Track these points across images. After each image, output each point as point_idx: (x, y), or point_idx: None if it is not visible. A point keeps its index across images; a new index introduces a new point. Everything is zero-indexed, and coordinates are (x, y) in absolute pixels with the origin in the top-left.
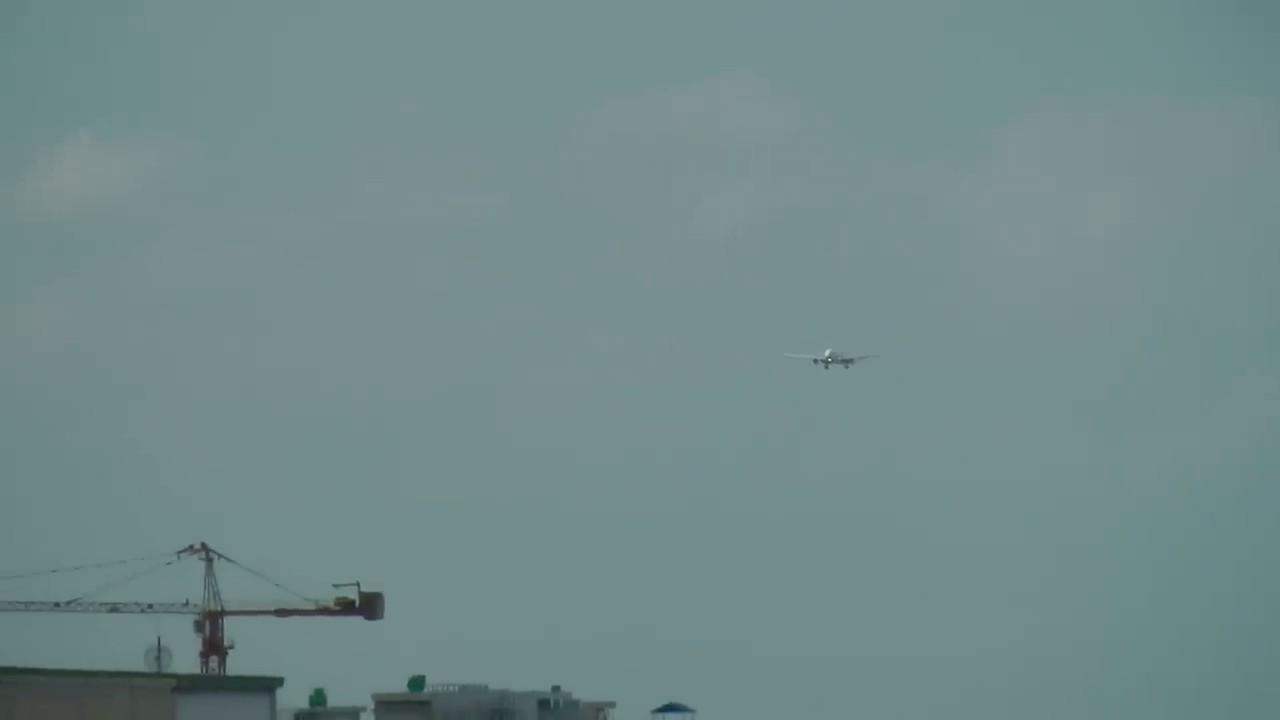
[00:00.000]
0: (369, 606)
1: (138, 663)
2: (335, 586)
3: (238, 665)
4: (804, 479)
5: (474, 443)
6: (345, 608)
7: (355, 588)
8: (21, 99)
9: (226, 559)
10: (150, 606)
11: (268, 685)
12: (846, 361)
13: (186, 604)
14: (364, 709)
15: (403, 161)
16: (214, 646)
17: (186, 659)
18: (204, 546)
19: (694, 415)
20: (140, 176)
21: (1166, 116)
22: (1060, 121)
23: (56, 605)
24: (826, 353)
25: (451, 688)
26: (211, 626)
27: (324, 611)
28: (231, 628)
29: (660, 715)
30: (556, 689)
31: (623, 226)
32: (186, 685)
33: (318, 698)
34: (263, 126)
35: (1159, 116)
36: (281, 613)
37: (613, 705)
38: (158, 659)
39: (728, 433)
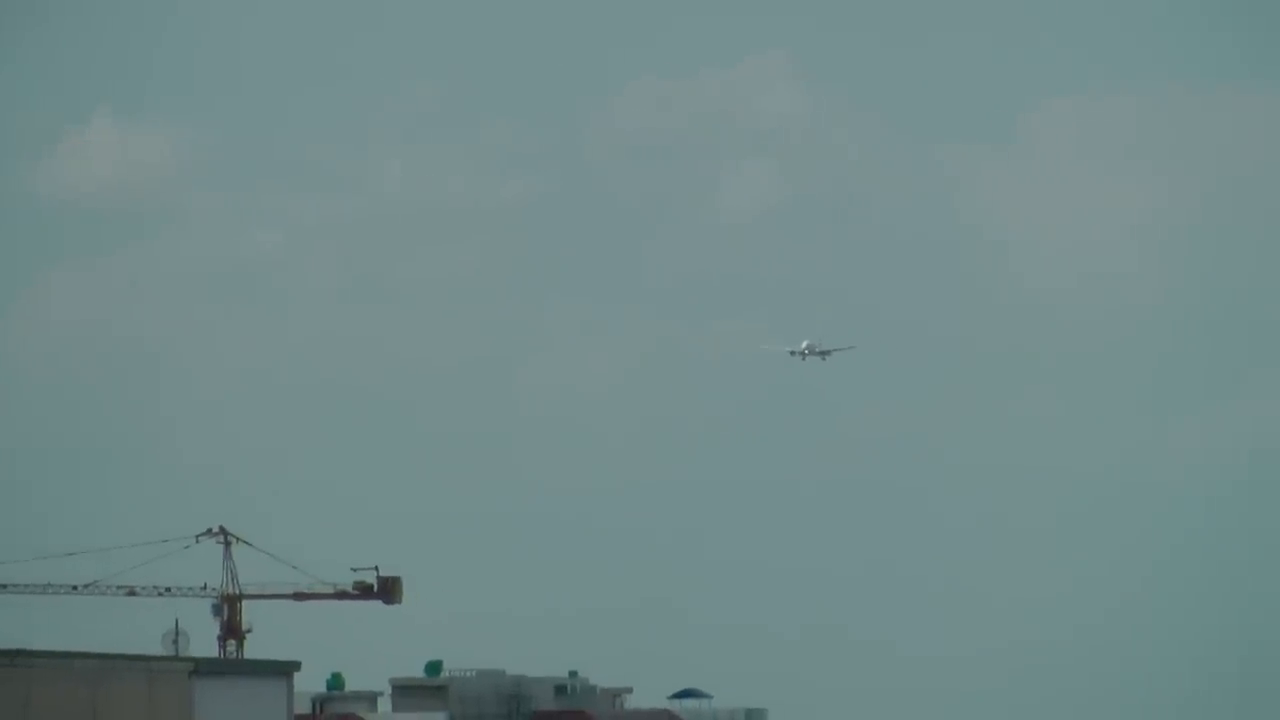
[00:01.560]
0: (387, 591)
1: (155, 646)
2: (353, 570)
3: (256, 649)
4: (829, 462)
5: (494, 427)
6: (363, 592)
7: (374, 572)
8: (44, 78)
9: (245, 543)
10: (168, 590)
11: (285, 669)
12: (823, 353)
13: (205, 588)
14: (381, 693)
15: (426, 143)
16: (232, 630)
17: (204, 642)
18: (222, 530)
19: (714, 396)
20: (161, 158)
21: (1198, 105)
22: (1089, 109)
23: (74, 588)
24: (803, 344)
25: (469, 673)
26: (229, 610)
27: (342, 596)
28: (249, 611)
29: (676, 701)
30: (573, 674)
31: (646, 209)
32: (204, 669)
33: (335, 682)
34: (286, 107)
35: (1190, 105)
36: (299, 596)
37: (629, 691)
38: (175, 642)
39: (751, 413)
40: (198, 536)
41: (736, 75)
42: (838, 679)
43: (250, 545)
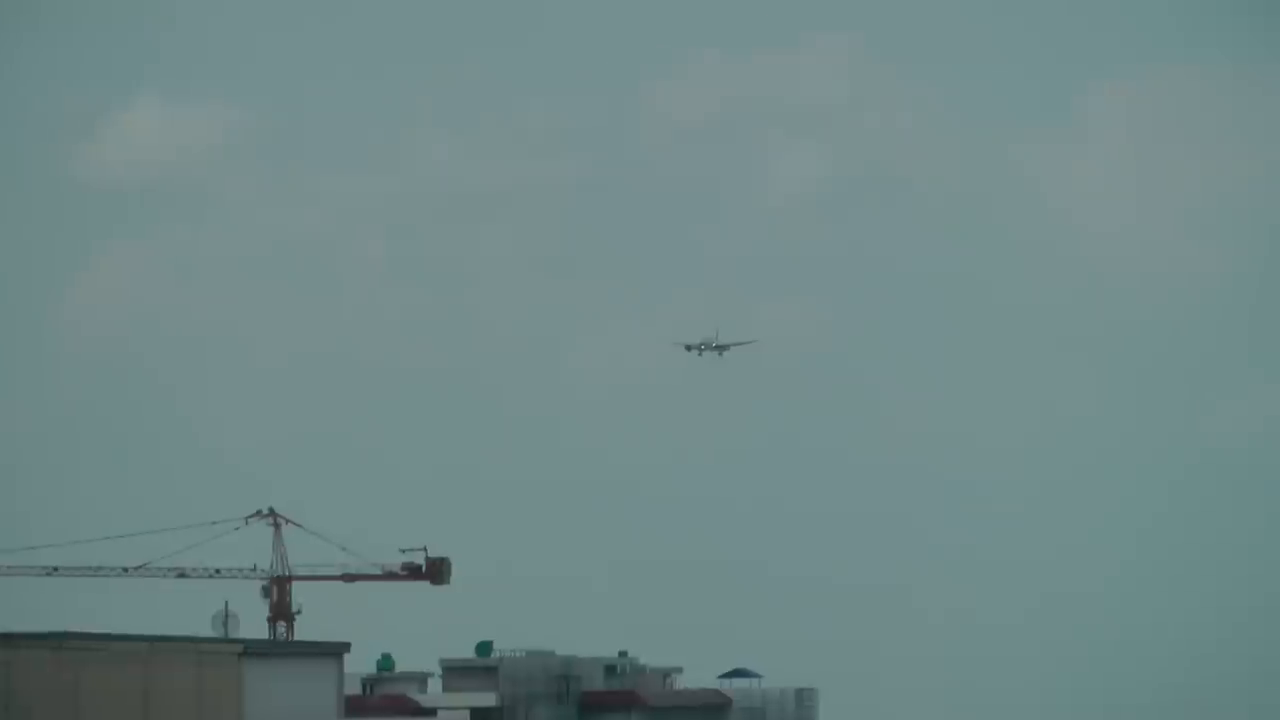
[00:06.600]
0: (436, 571)
1: (205, 628)
2: (402, 551)
3: (305, 631)
4: (877, 438)
5: (542, 407)
6: (412, 573)
7: (423, 553)
8: (87, 60)
9: (294, 524)
10: (218, 572)
11: (335, 650)
12: (720, 348)
13: (254, 569)
14: (431, 674)
15: (472, 122)
16: (281, 612)
17: (254, 624)
18: (271, 511)
19: (763, 375)
20: (205, 138)
21: (1256, 83)
22: (1149, 87)
23: (124, 570)
24: (699, 341)
25: (518, 653)
26: (279, 592)
27: (391, 577)
28: (299, 593)
29: (726, 680)
30: (623, 654)
31: (696, 189)
32: (254, 650)
33: (385, 663)
34: (331, 86)
35: (1246, 83)
36: (348, 578)
37: (679, 670)
38: (225, 624)
39: (796, 391)
40: (247, 518)
41: (791, 57)
42: (892, 648)
43: (300, 527)
